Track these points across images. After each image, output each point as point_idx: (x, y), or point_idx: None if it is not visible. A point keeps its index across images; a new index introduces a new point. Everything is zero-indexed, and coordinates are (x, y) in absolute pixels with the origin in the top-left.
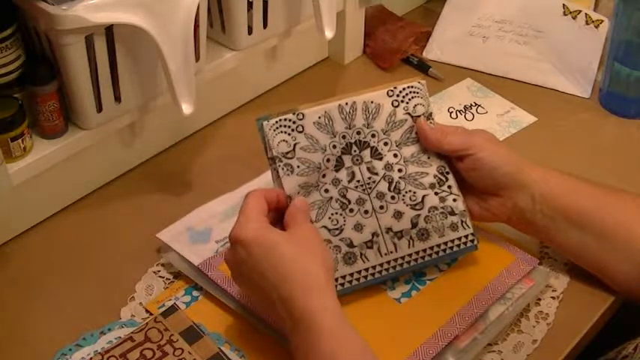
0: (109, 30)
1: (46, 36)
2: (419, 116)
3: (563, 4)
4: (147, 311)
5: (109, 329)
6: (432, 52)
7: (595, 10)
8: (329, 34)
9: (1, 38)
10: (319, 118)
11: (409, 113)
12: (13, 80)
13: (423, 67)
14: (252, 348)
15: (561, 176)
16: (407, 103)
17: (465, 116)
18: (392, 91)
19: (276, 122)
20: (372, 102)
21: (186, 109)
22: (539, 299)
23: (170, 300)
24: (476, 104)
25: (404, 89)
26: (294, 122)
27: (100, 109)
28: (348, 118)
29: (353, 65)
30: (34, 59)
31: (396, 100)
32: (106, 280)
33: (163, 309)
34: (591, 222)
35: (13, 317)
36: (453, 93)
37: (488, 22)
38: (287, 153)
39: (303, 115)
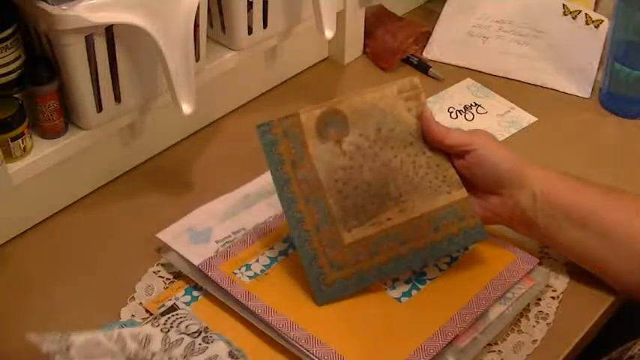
0: (109, 30)
1: (46, 36)
2: (194, 333)
3: (563, 4)
4: (147, 311)
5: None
6: (432, 52)
7: (595, 10)
8: (329, 34)
9: (1, 38)
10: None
11: (184, 333)
12: (13, 80)
13: (423, 67)
14: (252, 348)
15: (562, 175)
16: (177, 327)
17: (465, 116)
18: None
19: None
20: (139, 333)
21: (186, 109)
22: (539, 299)
23: (170, 300)
24: (476, 104)
25: (169, 318)
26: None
27: (100, 109)
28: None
29: (353, 65)
30: (34, 59)
31: (165, 327)
32: (106, 280)
33: (163, 309)
34: (592, 221)
35: (13, 317)
36: (453, 93)
37: (488, 22)
38: None
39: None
